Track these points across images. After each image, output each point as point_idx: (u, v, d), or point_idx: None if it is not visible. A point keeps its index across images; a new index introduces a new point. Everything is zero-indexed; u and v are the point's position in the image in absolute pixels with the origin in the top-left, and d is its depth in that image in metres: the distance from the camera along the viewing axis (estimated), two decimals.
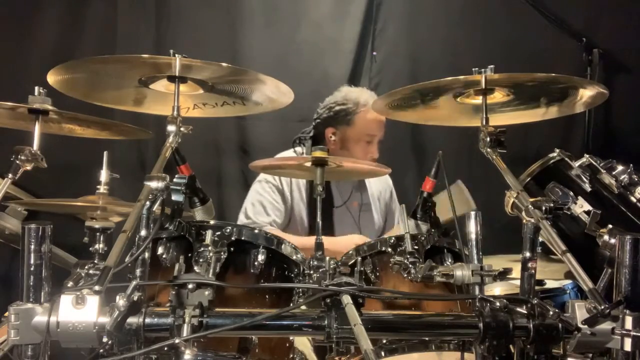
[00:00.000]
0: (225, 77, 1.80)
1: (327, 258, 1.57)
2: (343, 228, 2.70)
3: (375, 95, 2.76)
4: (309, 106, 2.92)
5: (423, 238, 1.72)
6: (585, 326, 1.23)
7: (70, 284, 1.74)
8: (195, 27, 3.42)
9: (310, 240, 1.66)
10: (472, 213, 1.50)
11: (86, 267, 1.83)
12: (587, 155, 2.03)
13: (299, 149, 2.78)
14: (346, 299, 1.27)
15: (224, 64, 1.70)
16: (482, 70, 1.66)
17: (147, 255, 1.33)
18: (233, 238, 1.65)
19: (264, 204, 2.69)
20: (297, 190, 2.73)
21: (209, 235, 1.60)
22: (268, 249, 1.69)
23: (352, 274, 1.53)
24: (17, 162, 1.83)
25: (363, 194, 2.88)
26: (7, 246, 2.56)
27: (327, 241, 2.37)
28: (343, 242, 2.45)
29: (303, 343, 1.95)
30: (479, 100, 1.73)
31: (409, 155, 3.54)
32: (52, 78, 1.74)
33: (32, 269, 1.16)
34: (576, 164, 2.01)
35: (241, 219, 2.72)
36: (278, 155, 2.79)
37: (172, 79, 1.72)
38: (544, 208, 1.37)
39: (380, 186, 2.94)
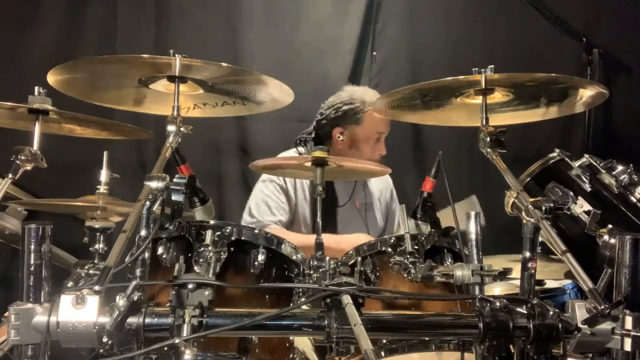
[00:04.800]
0: (225, 77, 1.80)
1: (327, 258, 1.57)
2: (348, 227, 2.70)
3: (378, 93, 2.76)
4: (309, 106, 2.92)
5: (423, 238, 1.72)
6: (585, 326, 1.23)
7: (70, 284, 1.74)
8: (195, 27, 3.42)
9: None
10: (472, 213, 1.50)
11: (86, 267, 1.83)
12: (587, 155, 2.03)
13: (301, 149, 2.78)
14: (346, 299, 1.27)
15: (224, 64, 1.69)
16: (482, 70, 1.66)
17: (147, 255, 1.33)
18: (233, 238, 1.65)
19: (269, 203, 2.69)
20: (300, 190, 2.73)
21: (209, 235, 1.60)
22: (268, 249, 1.69)
23: (352, 274, 1.54)
24: (17, 162, 1.83)
25: (366, 193, 2.89)
26: (7, 246, 2.56)
27: (332, 239, 2.41)
28: (348, 241, 2.46)
29: (304, 342, 1.95)
30: (479, 100, 1.73)
31: (409, 155, 3.54)
32: (52, 78, 1.74)
33: (32, 269, 1.16)
34: (576, 164, 2.01)
35: (245, 218, 2.72)
36: (279, 155, 2.79)
37: (172, 79, 1.72)
38: (544, 208, 1.38)
39: (381, 186, 2.95)
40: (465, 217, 1.51)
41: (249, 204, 2.75)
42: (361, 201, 2.86)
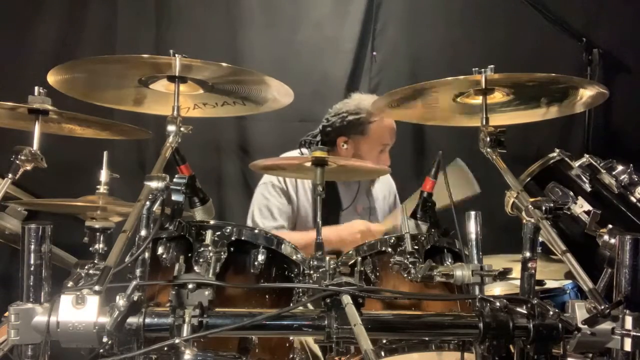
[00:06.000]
0: (225, 77, 1.80)
1: (327, 258, 1.57)
2: None
3: None
4: (309, 106, 2.93)
5: (423, 238, 1.72)
6: (585, 326, 1.23)
7: (70, 284, 1.74)
8: (195, 27, 3.42)
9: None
10: (472, 213, 1.50)
11: (86, 267, 1.83)
12: (587, 155, 2.03)
13: (305, 150, 2.77)
14: (346, 299, 1.27)
15: (223, 64, 1.70)
16: (482, 70, 1.66)
17: (147, 255, 1.33)
18: (233, 238, 1.65)
19: (271, 208, 2.68)
20: (302, 192, 2.72)
21: (209, 235, 1.61)
22: (268, 249, 1.69)
23: (352, 274, 1.54)
24: (17, 162, 1.83)
25: (370, 198, 2.88)
26: (7, 246, 2.56)
27: (331, 231, 2.40)
28: (346, 229, 2.46)
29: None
30: (479, 100, 1.74)
31: (409, 155, 3.54)
32: (52, 78, 1.74)
33: (32, 269, 1.16)
34: (576, 164, 2.01)
35: (249, 224, 2.71)
36: (282, 155, 2.78)
37: (172, 79, 1.72)
38: (544, 208, 1.37)
39: (385, 191, 2.95)
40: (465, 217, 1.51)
41: (251, 209, 2.74)
42: (364, 205, 2.85)
